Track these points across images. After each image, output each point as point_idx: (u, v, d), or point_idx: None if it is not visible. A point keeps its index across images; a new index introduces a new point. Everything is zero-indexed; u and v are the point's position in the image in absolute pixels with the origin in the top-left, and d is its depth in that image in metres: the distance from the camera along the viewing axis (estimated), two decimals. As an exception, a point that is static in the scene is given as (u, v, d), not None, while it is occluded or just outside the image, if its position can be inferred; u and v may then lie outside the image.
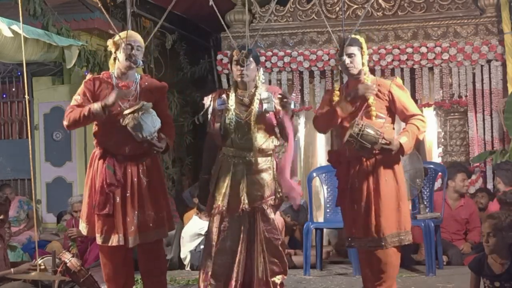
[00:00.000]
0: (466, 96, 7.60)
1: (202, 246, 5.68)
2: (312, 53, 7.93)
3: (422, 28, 7.76)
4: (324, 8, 7.99)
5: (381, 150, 4.23)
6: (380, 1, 7.89)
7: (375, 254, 4.31)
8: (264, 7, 8.17)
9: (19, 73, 8.15)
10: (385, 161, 4.31)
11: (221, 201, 4.36)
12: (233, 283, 4.33)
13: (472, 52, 7.51)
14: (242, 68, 4.34)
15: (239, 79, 4.40)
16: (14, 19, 5.63)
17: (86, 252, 6.35)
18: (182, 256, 6.59)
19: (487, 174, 7.45)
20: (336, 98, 4.39)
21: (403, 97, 4.39)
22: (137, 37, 4.42)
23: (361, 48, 4.38)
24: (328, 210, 6.27)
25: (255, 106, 4.36)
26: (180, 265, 6.62)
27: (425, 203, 6.08)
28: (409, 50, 7.65)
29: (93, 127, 4.45)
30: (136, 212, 4.30)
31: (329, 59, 7.85)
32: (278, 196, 4.41)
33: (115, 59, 4.40)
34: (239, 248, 4.34)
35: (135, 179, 4.33)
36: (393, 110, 4.40)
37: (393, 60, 7.69)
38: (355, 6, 7.91)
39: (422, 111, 4.97)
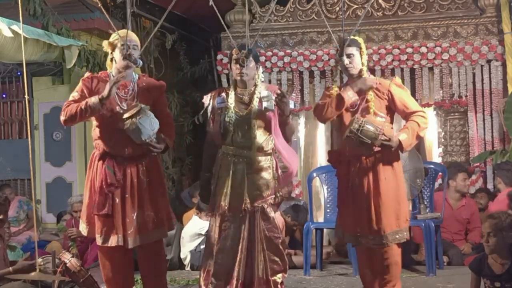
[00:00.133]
0: (466, 96, 7.60)
1: (202, 246, 5.68)
2: (312, 53, 7.93)
3: (422, 28, 7.75)
4: (324, 8, 7.99)
5: (380, 147, 4.25)
6: (380, 1, 7.89)
7: (378, 253, 4.33)
8: (264, 7, 8.16)
9: (19, 73, 8.15)
10: (384, 160, 4.33)
11: (222, 201, 4.36)
12: (234, 282, 4.33)
13: (472, 52, 7.51)
14: (241, 67, 4.35)
15: (238, 78, 4.41)
16: (14, 19, 5.63)
17: (86, 252, 6.34)
18: (182, 256, 6.58)
19: (487, 174, 7.45)
20: (335, 93, 4.42)
21: (403, 95, 4.41)
22: (132, 36, 4.41)
23: (360, 48, 4.41)
24: (328, 210, 6.26)
25: (255, 104, 4.37)
26: (180, 265, 6.62)
27: (426, 203, 6.08)
28: (409, 50, 7.65)
29: (93, 128, 4.44)
30: (135, 213, 4.30)
31: (329, 59, 7.85)
32: (278, 195, 4.42)
33: (112, 59, 4.41)
34: (239, 247, 4.35)
35: (135, 180, 4.33)
36: (393, 109, 4.42)
37: (393, 60, 7.69)
38: (355, 6, 7.91)
39: (422, 109, 4.98)
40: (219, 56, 8.21)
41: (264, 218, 4.36)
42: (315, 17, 8.07)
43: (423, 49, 7.61)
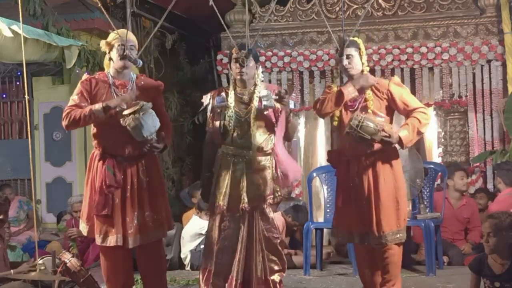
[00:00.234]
0: (466, 96, 7.60)
1: (202, 246, 5.66)
2: (312, 53, 7.93)
3: (422, 28, 7.75)
4: (324, 8, 7.99)
5: (381, 143, 4.25)
6: (380, 1, 7.89)
7: (377, 252, 4.34)
8: (264, 7, 8.16)
9: (19, 73, 8.14)
10: (384, 159, 4.34)
11: (221, 201, 4.37)
12: (233, 282, 4.34)
13: (472, 52, 7.50)
14: (241, 67, 4.35)
15: (238, 77, 4.41)
16: (14, 19, 5.63)
17: (87, 252, 6.34)
18: (182, 256, 6.58)
19: (487, 174, 7.45)
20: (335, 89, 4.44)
21: (403, 93, 4.42)
22: (130, 35, 4.41)
23: (359, 49, 4.43)
24: (328, 210, 6.26)
25: (255, 103, 4.37)
26: (180, 265, 6.62)
27: (425, 203, 6.08)
28: (409, 50, 7.65)
29: (92, 128, 4.45)
30: (136, 213, 4.31)
31: (329, 59, 7.85)
32: (277, 195, 4.43)
33: (110, 59, 4.41)
34: (238, 247, 4.35)
35: (135, 180, 4.33)
36: (394, 108, 4.43)
37: (393, 60, 7.69)
38: (355, 6, 7.90)
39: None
40: (219, 56, 8.21)
41: (263, 218, 4.37)
42: (315, 17, 8.07)
43: (423, 49, 7.61)
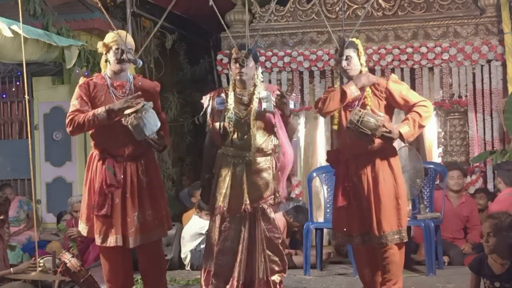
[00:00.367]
0: (466, 96, 7.60)
1: (202, 246, 5.67)
2: (312, 53, 7.93)
3: (422, 28, 7.75)
4: (324, 8, 7.98)
5: (381, 138, 4.25)
6: (380, 1, 7.88)
7: (377, 252, 4.33)
8: (264, 7, 8.16)
9: (19, 73, 8.14)
10: (383, 159, 4.34)
11: (222, 202, 4.36)
12: (234, 283, 4.33)
13: (472, 52, 7.50)
14: (241, 67, 4.34)
15: (238, 77, 4.40)
16: (14, 19, 5.63)
17: (87, 252, 6.34)
18: (182, 256, 6.58)
19: (487, 174, 7.45)
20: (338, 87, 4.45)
21: (402, 90, 4.42)
22: (127, 38, 4.41)
23: (357, 49, 4.44)
24: (328, 210, 6.26)
25: (254, 105, 4.36)
26: (180, 265, 6.62)
27: (425, 203, 6.08)
28: (409, 50, 7.65)
29: (91, 128, 4.45)
30: (136, 212, 4.31)
31: (329, 59, 7.84)
32: (278, 195, 4.42)
33: (106, 60, 4.41)
34: (240, 248, 4.35)
35: (135, 179, 4.34)
36: (394, 106, 4.44)
37: (393, 60, 7.69)
38: (355, 6, 7.90)
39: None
40: (219, 56, 8.21)
41: (264, 218, 4.36)
42: (315, 17, 8.07)
43: (423, 49, 7.61)
